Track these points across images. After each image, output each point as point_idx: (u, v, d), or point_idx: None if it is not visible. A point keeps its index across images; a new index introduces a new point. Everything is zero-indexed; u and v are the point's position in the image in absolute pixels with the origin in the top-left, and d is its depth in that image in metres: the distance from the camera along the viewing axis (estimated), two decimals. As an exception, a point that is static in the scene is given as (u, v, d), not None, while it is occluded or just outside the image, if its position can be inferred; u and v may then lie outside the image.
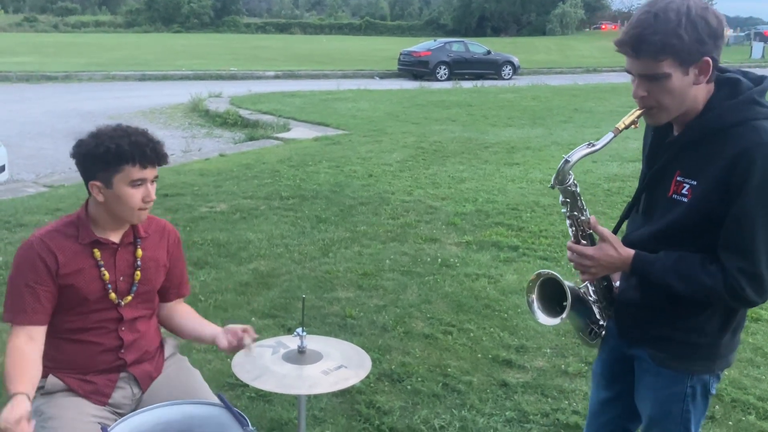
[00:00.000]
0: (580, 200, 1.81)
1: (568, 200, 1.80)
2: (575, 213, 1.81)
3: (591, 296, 1.94)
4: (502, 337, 3.96)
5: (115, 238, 2.09)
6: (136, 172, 1.97)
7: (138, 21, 55.09)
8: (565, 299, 1.84)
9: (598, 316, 1.96)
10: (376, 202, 6.81)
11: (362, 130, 11.47)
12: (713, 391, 1.86)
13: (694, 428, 1.86)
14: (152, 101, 15.75)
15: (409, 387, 3.40)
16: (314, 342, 2.03)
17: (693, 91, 1.63)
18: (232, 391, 3.28)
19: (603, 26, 62.55)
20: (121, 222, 2.08)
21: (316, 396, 3.20)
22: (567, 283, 1.87)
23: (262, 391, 3.24)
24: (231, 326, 2.12)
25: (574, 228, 1.82)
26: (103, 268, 2.05)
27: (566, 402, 3.28)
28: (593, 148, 1.71)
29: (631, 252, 1.74)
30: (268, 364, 1.88)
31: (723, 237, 1.63)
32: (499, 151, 9.74)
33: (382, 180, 7.84)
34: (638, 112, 1.69)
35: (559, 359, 3.70)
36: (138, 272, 2.12)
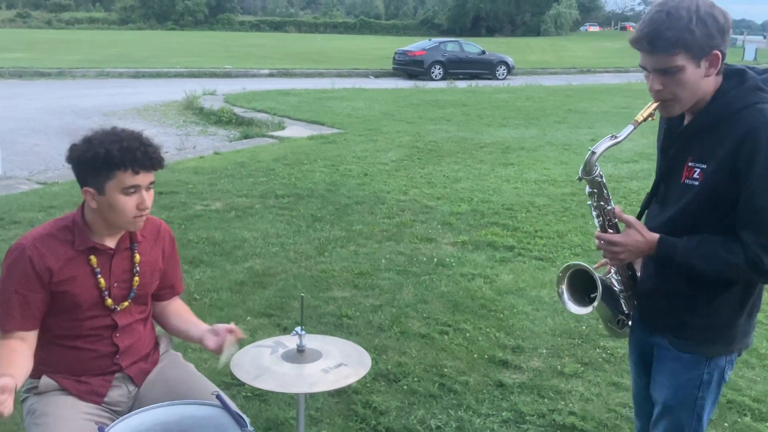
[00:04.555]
0: (606, 191, 1.89)
1: (595, 191, 1.88)
2: (602, 203, 1.89)
3: (617, 286, 2.01)
4: (498, 337, 3.96)
5: (111, 243, 2.04)
6: (129, 179, 1.90)
7: (132, 18, 54.93)
8: (593, 290, 1.91)
9: (624, 306, 2.04)
10: (372, 202, 6.80)
11: (357, 129, 11.46)
12: (726, 379, 1.93)
13: (705, 417, 1.93)
14: (146, 98, 15.69)
15: (405, 387, 3.39)
16: (313, 341, 2.02)
17: (704, 82, 1.73)
18: (228, 391, 3.25)
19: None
20: (117, 228, 2.03)
21: (312, 396, 3.20)
22: (597, 274, 1.93)
23: (258, 390, 3.24)
24: (217, 326, 2.07)
25: (600, 218, 1.90)
26: (99, 275, 2.01)
27: (562, 402, 3.28)
28: (616, 140, 1.81)
29: (656, 236, 1.82)
30: (267, 364, 1.87)
31: (739, 216, 1.72)
32: (494, 151, 9.75)
33: (377, 179, 7.83)
34: (654, 105, 1.79)
35: (555, 360, 3.71)
36: (136, 278, 2.08)
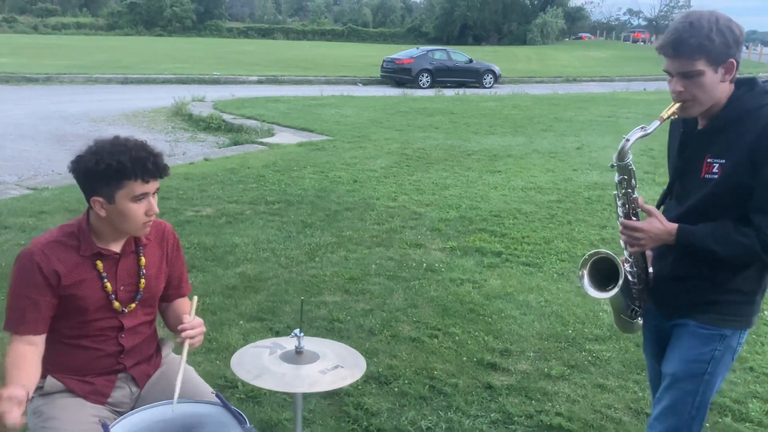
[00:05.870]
0: (635, 179, 2.06)
1: (625, 177, 2.04)
2: (629, 191, 2.05)
3: (631, 279, 2.17)
4: (487, 340, 4.04)
5: (116, 247, 2.10)
6: (139, 187, 1.97)
7: (119, 24, 54.64)
8: (610, 282, 2.05)
9: (636, 298, 2.20)
10: (362, 208, 6.88)
11: (346, 136, 11.53)
12: (733, 360, 2.13)
13: (709, 396, 2.09)
14: (135, 104, 15.67)
15: (396, 389, 3.46)
16: (309, 343, 2.09)
17: (720, 87, 1.94)
18: (222, 393, 3.31)
19: (583, 36, 67.26)
20: (126, 234, 2.09)
21: (305, 397, 3.25)
22: (620, 263, 2.08)
23: (252, 392, 3.31)
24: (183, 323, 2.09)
25: (625, 206, 2.07)
26: (105, 280, 2.06)
27: (549, 404, 3.36)
28: (646, 132, 1.99)
29: (675, 225, 2.01)
30: (266, 364, 1.93)
31: (754, 202, 1.91)
32: (481, 159, 9.86)
33: (366, 186, 7.90)
34: (676, 106, 1.97)
35: (542, 362, 3.79)
36: (143, 280, 2.14)
